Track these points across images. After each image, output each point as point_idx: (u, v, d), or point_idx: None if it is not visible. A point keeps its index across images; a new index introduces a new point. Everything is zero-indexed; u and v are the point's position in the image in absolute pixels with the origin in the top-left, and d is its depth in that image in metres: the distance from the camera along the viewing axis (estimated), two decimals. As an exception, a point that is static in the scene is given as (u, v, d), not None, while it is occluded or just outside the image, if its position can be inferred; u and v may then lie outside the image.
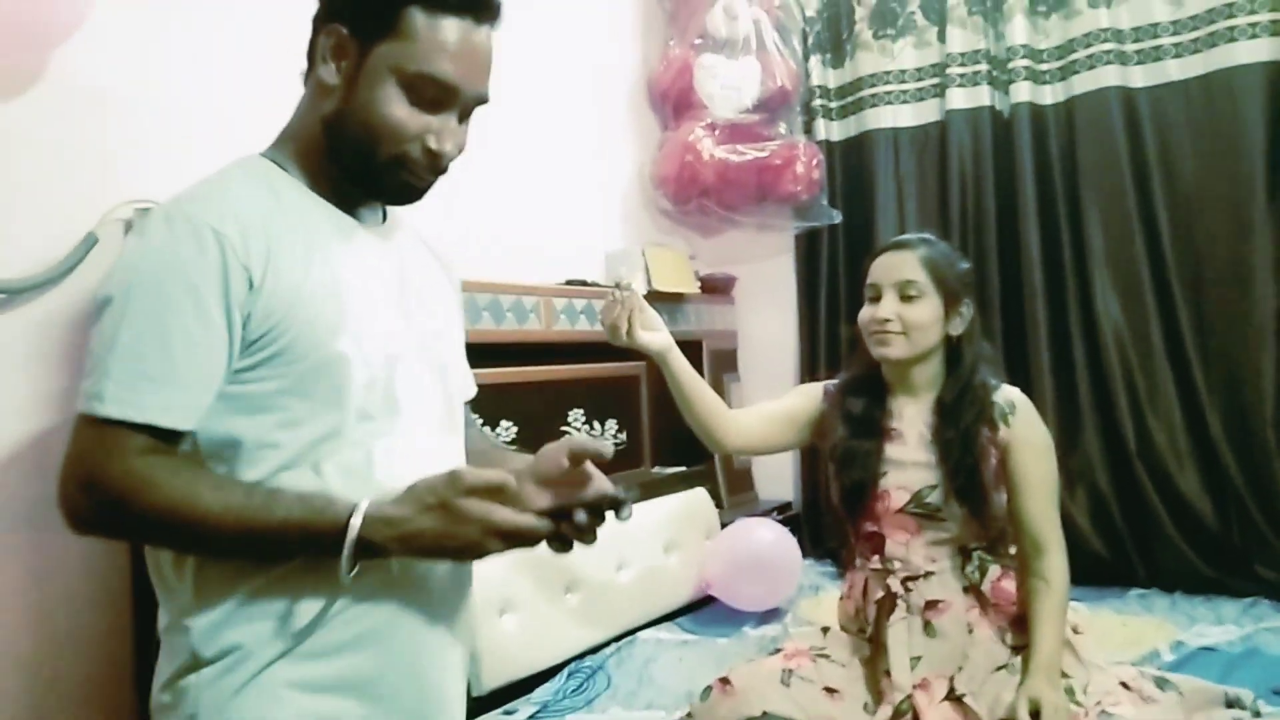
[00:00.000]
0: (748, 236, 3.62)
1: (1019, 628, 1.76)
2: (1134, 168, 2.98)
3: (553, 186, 2.99)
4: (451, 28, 1.03)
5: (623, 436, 3.00)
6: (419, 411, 1.09)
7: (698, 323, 3.35)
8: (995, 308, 3.12)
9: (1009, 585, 1.79)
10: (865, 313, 1.84)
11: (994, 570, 1.79)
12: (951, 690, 1.70)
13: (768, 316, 3.65)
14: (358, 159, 1.06)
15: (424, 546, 0.96)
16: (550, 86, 3.01)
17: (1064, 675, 1.67)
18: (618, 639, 2.44)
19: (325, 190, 1.09)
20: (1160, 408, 2.94)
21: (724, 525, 2.94)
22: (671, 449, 3.20)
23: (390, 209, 1.19)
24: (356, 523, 0.93)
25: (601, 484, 1.05)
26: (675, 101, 3.34)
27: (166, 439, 0.95)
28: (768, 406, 1.97)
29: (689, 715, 1.85)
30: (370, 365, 1.03)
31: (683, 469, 3.12)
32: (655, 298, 3.04)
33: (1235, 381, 2.86)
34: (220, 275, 0.95)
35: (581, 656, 2.31)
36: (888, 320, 1.79)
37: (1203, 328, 2.92)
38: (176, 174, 1.83)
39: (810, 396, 1.97)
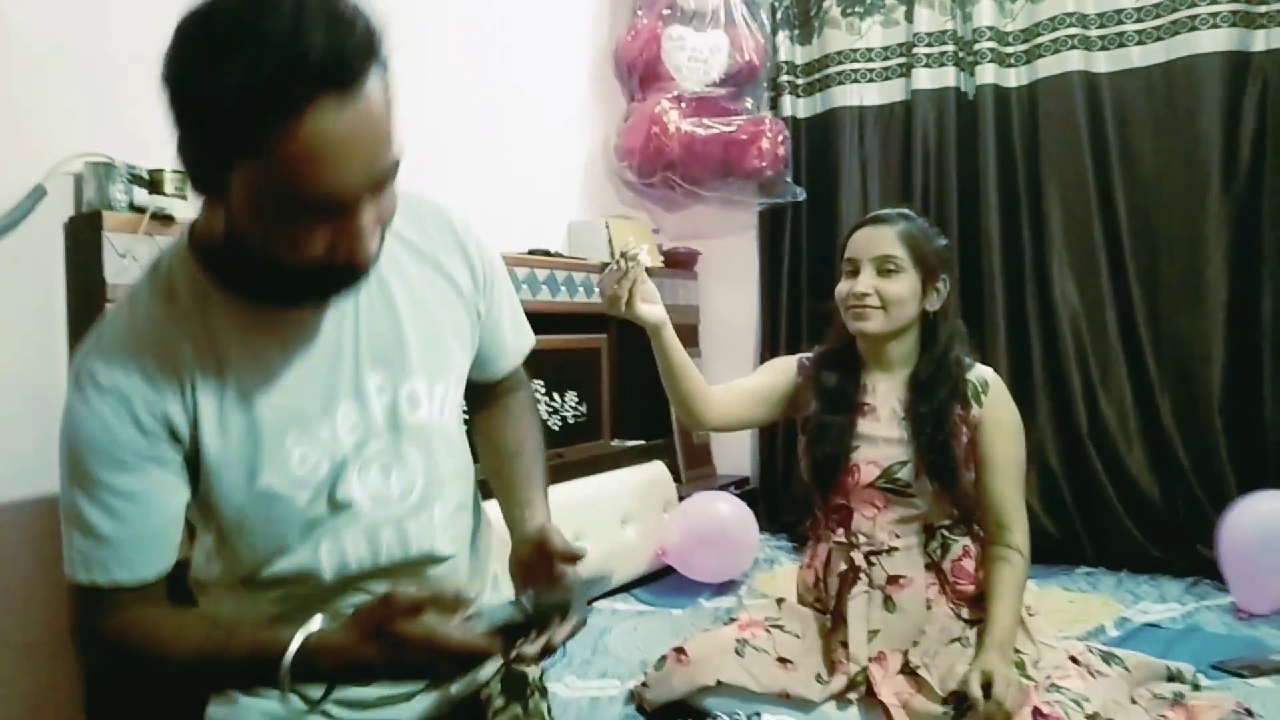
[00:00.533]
0: (711, 212, 3.61)
1: (975, 605, 1.78)
2: (1094, 153, 3.01)
3: (516, 156, 2.95)
4: (311, 133, 0.80)
5: (583, 409, 2.99)
6: (383, 493, 1.07)
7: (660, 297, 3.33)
8: (954, 288, 3.12)
9: (968, 564, 1.80)
10: (843, 287, 1.84)
11: (956, 549, 1.81)
12: (906, 663, 1.72)
13: (730, 293, 3.65)
14: (270, 280, 0.95)
15: (375, 677, 0.96)
16: (515, 54, 2.97)
17: (1016, 651, 1.69)
18: (573, 610, 2.44)
19: (248, 284, 0.98)
20: (1112, 390, 2.98)
21: (682, 499, 2.95)
22: (630, 422, 3.19)
23: None
24: (288, 659, 0.90)
25: (566, 592, 1.01)
26: (642, 72, 3.31)
27: (140, 591, 0.98)
28: (743, 383, 1.96)
29: (644, 684, 1.87)
30: (307, 486, 1.02)
31: (641, 443, 3.12)
32: (617, 270, 3.03)
33: (1186, 366, 2.92)
34: (133, 431, 0.95)
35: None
36: (866, 295, 1.79)
37: (1156, 312, 2.96)
38: (128, 128, 1.80)
39: (784, 371, 1.97)
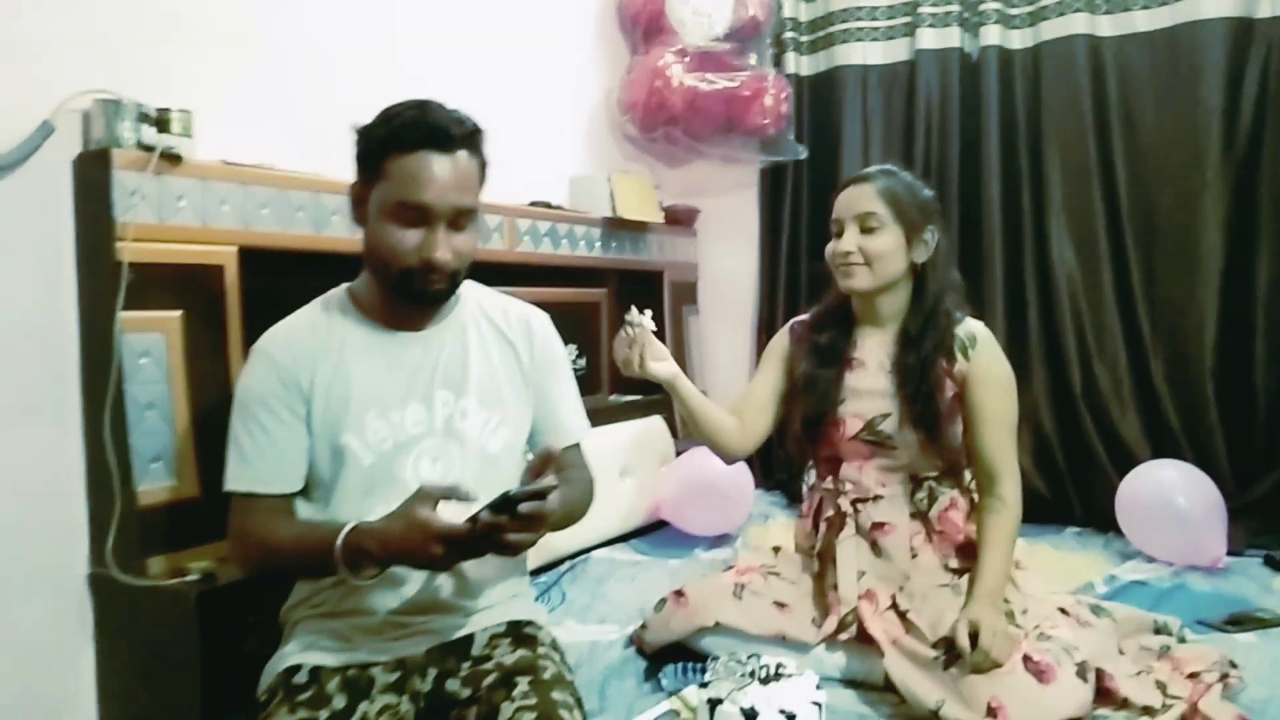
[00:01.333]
0: (712, 168, 3.60)
1: (963, 555, 1.81)
2: (1096, 116, 3.01)
3: (518, 108, 2.94)
4: (417, 162, 1.31)
5: (582, 362, 3.00)
6: (428, 475, 1.40)
7: (659, 253, 3.35)
8: (953, 251, 3.15)
9: (956, 516, 1.84)
10: (830, 246, 1.87)
11: (943, 500, 1.84)
12: (895, 604, 1.75)
13: (729, 250, 3.65)
14: (383, 277, 1.38)
15: (395, 551, 1.22)
16: (519, 5, 2.95)
17: (1004, 600, 1.73)
18: (572, 558, 2.48)
19: (374, 311, 1.44)
20: (1107, 353, 3.01)
21: (679, 453, 2.97)
22: (629, 377, 3.21)
23: (452, 309, 1.48)
24: (340, 538, 1.23)
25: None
26: (645, 25, 3.29)
27: (270, 500, 1.36)
28: (758, 389, 1.99)
29: (643, 627, 1.90)
30: (374, 452, 1.38)
31: (639, 397, 3.14)
32: (618, 224, 3.04)
33: (1179, 331, 2.94)
34: (276, 382, 1.37)
35: (536, 574, 2.34)
36: (849, 253, 1.81)
37: (1152, 277, 2.98)
38: (136, 66, 1.80)
39: (779, 346, 2.01)
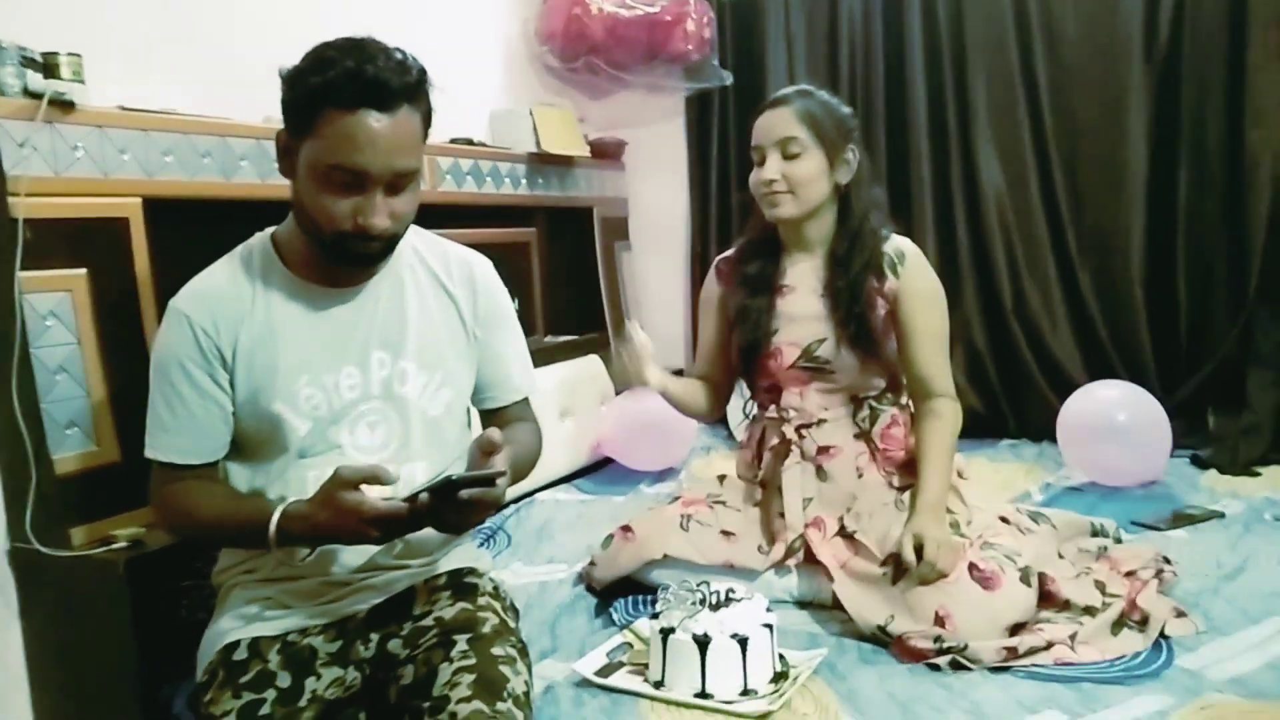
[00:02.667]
0: (638, 99, 3.53)
1: (906, 471, 1.83)
2: (1018, 31, 3.02)
3: (434, 39, 2.82)
4: (354, 121, 1.19)
5: (515, 304, 2.94)
6: (367, 443, 1.34)
7: (588, 188, 3.28)
8: (881, 171, 3.14)
9: (897, 432, 1.85)
10: (753, 176, 1.83)
11: (884, 418, 1.85)
12: (842, 528, 1.76)
13: (659, 182, 3.60)
14: (313, 239, 1.28)
15: (327, 537, 1.20)
16: (428, -69, 2.83)
17: (949, 511, 1.75)
18: (515, 501, 2.45)
19: (302, 265, 1.33)
20: (1036, 269, 3.05)
21: (617, 392, 2.95)
22: (563, 317, 3.17)
23: (389, 264, 1.37)
24: (273, 524, 1.19)
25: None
26: (561, -49, 3.18)
27: (192, 469, 1.31)
28: (705, 348, 2.02)
29: (592, 564, 1.89)
30: (308, 419, 1.31)
31: (574, 337, 3.10)
32: (544, 160, 2.96)
33: (1106, 243, 2.99)
34: (195, 348, 1.29)
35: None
36: (773, 180, 1.79)
37: (1078, 191, 3.02)
38: (16, 7, 1.67)
39: (710, 291, 1.99)
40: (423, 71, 1.26)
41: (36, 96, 1.57)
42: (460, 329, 1.43)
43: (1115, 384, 2.59)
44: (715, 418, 2.01)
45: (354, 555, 1.34)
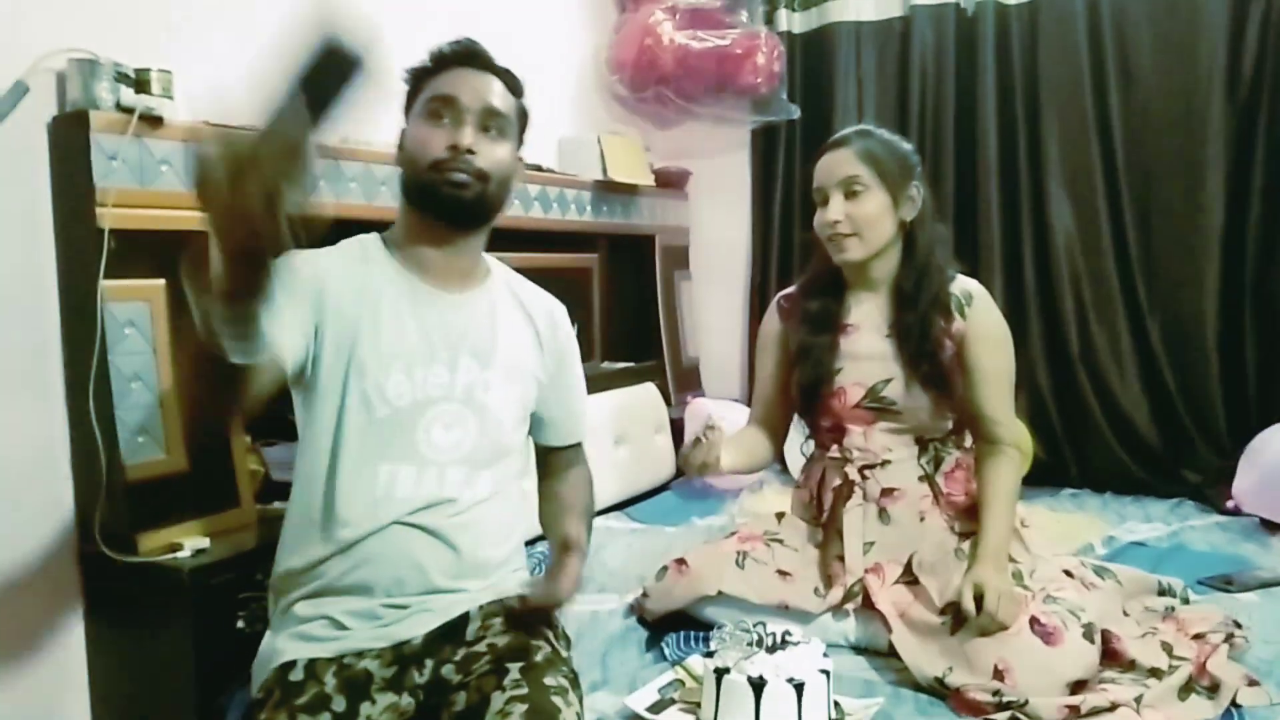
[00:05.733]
0: (704, 130, 3.54)
1: (968, 516, 1.79)
2: (1093, 73, 2.96)
3: (506, 65, 2.86)
4: (453, 70, 1.39)
5: (574, 329, 2.95)
6: (440, 441, 1.36)
7: (651, 216, 3.29)
8: (950, 211, 3.11)
9: (961, 476, 1.82)
10: (817, 218, 1.83)
11: (948, 461, 1.82)
12: (904, 572, 1.73)
13: (721, 213, 3.60)
14: (414, 186, 1.38)
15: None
16: (506, -40, 2.87)
17: (1011, 560, 1.71)
18: (567, 527, 2.45)
19: (410, 262, 1.41)
20: (1104, 315, 2.99)
21: (673, 421, 2.95)
22: (621, 343, 3.18)
23: (483, 279, 1.47)
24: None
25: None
26: (634, -18, 3.21)
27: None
28: (764, 389, 1.99)
29: (644, 595, 1.88)
30: (390, 406, 1.33)
31: (632, 364, 3.11)
32: (609, 187, 2.98)
33: (1178, 293, 2.92)
34: (298, 270, 1.22)
35: (533, 543, 2.30)
36: (838, 222, 1.78)
37: (1150, 238, 2.95)
38: (113, 24, 1.73)
39: (770, 330, 1.98)
40: (519, 79, 1.46)
41: (128, 111, 1.62)
42: (538, 357, 1.51)
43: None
44: (775, 462, 2.00)
45: (415, 577, 1.34)
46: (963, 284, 1.82)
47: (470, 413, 1.39)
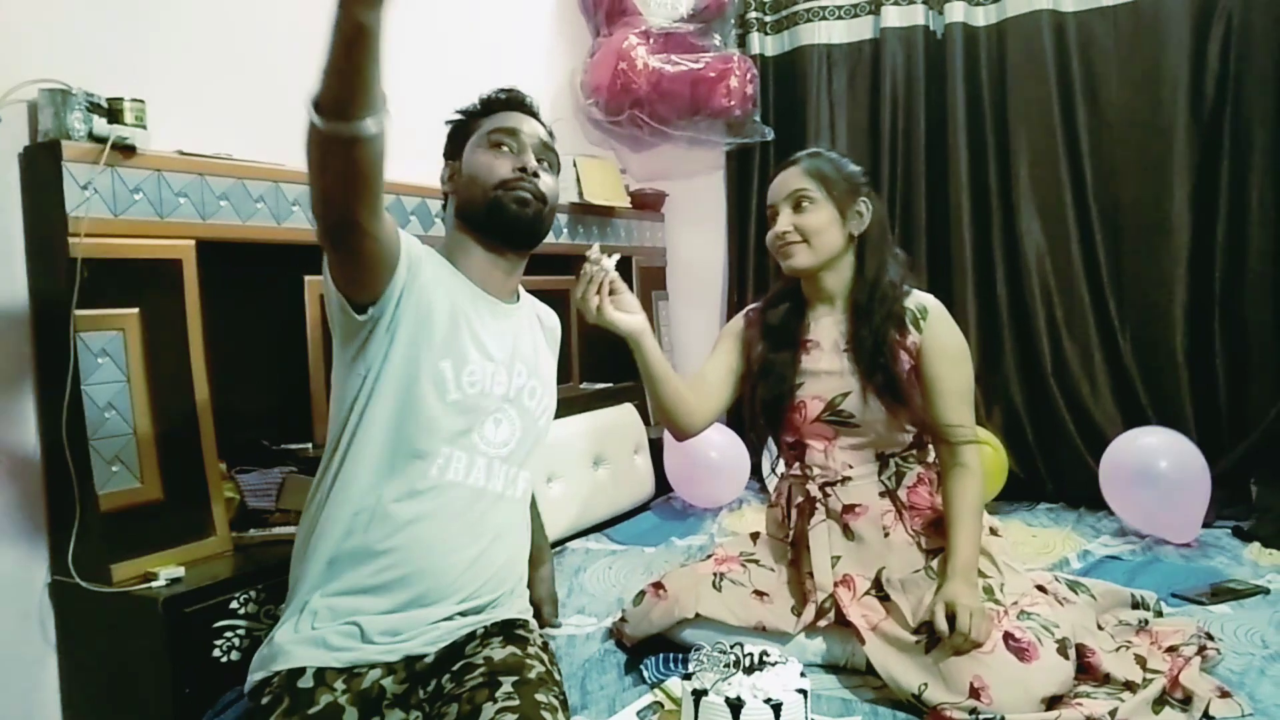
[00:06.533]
0: (679, 152, 3.57)
1: (934, 532, 1.80)
2: (1061, 93, 3.02)
3: (481, 91, 2.88)
4: (505, 112, 1.54)
5: (551, 350, 2.96)
6: (493, 437, 1.46)
7: (628, 238, 3.31)
8: (921, 229, 3.16)
9: (924, 491, 1.83)
10: (769, 234, 1.86)
11: (910, 476, 1.83)
12: (874, 585, 1.75)
13: (697, 234, 3.63)
14: (480, 206, 1.48)
15: None
16: (479, -14, 2.90)
17: (982, 575, 1.72)
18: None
19: (468, 269, 1.51)
20: (1076, 330, 3.03)
21: (651, 441, 2.96)
22: (599, 364, 3.18)
23: (521, 299, 1.61)
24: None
25: None
26: (608, 7, 3.23)
27: None
28: (711, 370, 1.94)
29: (622, 619, 1.88)
30: (462, 391, 1.41)
31: (609, 385, 3.11)
32: (585, 210, 3.00)
33: (1148, 307, 2.96)
34: (403, 263, 1.37)
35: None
36: (786, 231, 1.81)
37: (1120, 253, 3.00)
38: (84, 55, 1.73)
39: (735, 330, 1.99)
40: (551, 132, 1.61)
41: (101, 141, 1.62)
42: (552, 364, 1.69)
43: (1156, 430, 2.62)
44: (681, 434, 1.88)
45: (444, 570, 1.39)
46: (918, 298, 1.84)
47: (518, 415, 1.51)
